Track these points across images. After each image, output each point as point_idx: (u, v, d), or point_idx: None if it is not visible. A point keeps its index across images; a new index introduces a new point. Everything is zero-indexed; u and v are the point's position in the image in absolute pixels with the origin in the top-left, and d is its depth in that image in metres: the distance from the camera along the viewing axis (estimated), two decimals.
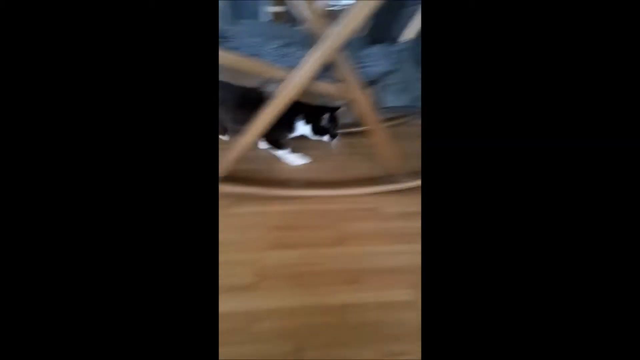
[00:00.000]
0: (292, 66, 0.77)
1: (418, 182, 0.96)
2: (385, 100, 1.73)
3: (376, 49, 0.85)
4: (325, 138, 1.04)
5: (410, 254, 0.74)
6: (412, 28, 0.91)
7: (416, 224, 0.83)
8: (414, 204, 0.91)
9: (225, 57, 0.76)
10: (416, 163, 0.97)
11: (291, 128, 1.04)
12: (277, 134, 1.03)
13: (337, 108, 1.02)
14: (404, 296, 0.63)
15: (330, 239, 0.77)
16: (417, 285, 0.65)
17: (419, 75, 1.68)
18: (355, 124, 1.19)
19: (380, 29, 0.99)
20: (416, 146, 1.21)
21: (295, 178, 1.02)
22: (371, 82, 0.88)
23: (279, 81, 0.80)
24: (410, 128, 1.39)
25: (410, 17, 0.86)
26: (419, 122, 1.34)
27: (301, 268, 0.69)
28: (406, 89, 1.71)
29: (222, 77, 0.83)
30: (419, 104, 1.75)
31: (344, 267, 0.69)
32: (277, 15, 2.32)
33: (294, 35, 0.93)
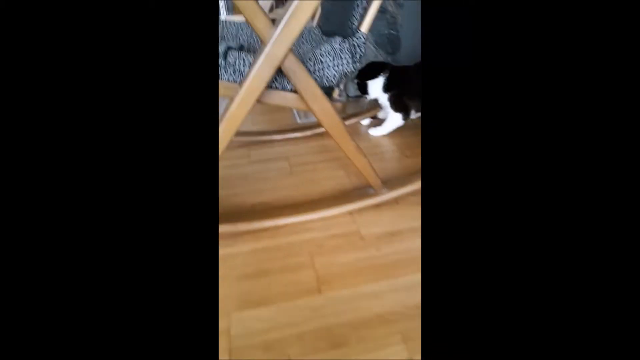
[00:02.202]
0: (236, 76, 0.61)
1: (395, 194, 0.85)
2: (349, 90, 1.59)
3: (337, 44, 0.70)
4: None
5: (397, 291, 0.63)
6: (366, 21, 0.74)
7: (401, 246, 0.73)
8: (395, 221, 0.80)
9: None
10: (391, 170, 0.86)
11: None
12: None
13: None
14: (401, 354, 0.53)
15: (307, 286, 0.65)
16: (413, 338, 0.55)
17: (381, 59, 1.55)
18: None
19: (332, 24, 0.83)
20: (386, 146, 1.10)
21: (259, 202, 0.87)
22: (336, 84, 0.73)
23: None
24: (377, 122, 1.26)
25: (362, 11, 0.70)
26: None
27: (273, 334, 0.56)
28: None
29: None
30: None
31: (326, 325, 0.58)
32: None
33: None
